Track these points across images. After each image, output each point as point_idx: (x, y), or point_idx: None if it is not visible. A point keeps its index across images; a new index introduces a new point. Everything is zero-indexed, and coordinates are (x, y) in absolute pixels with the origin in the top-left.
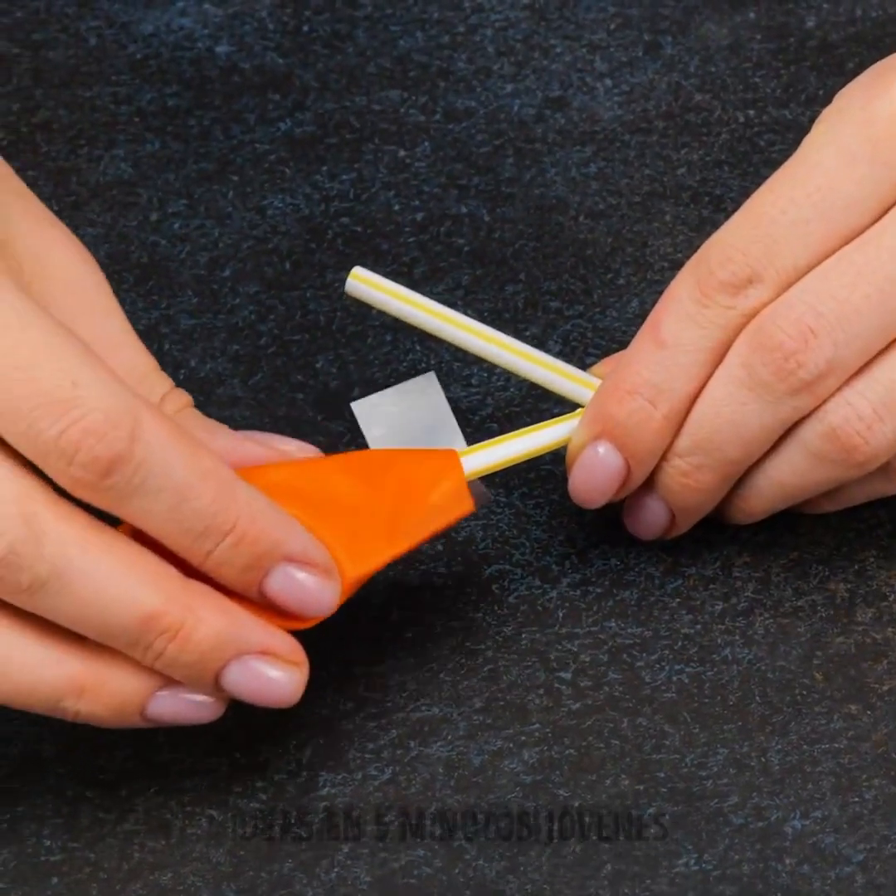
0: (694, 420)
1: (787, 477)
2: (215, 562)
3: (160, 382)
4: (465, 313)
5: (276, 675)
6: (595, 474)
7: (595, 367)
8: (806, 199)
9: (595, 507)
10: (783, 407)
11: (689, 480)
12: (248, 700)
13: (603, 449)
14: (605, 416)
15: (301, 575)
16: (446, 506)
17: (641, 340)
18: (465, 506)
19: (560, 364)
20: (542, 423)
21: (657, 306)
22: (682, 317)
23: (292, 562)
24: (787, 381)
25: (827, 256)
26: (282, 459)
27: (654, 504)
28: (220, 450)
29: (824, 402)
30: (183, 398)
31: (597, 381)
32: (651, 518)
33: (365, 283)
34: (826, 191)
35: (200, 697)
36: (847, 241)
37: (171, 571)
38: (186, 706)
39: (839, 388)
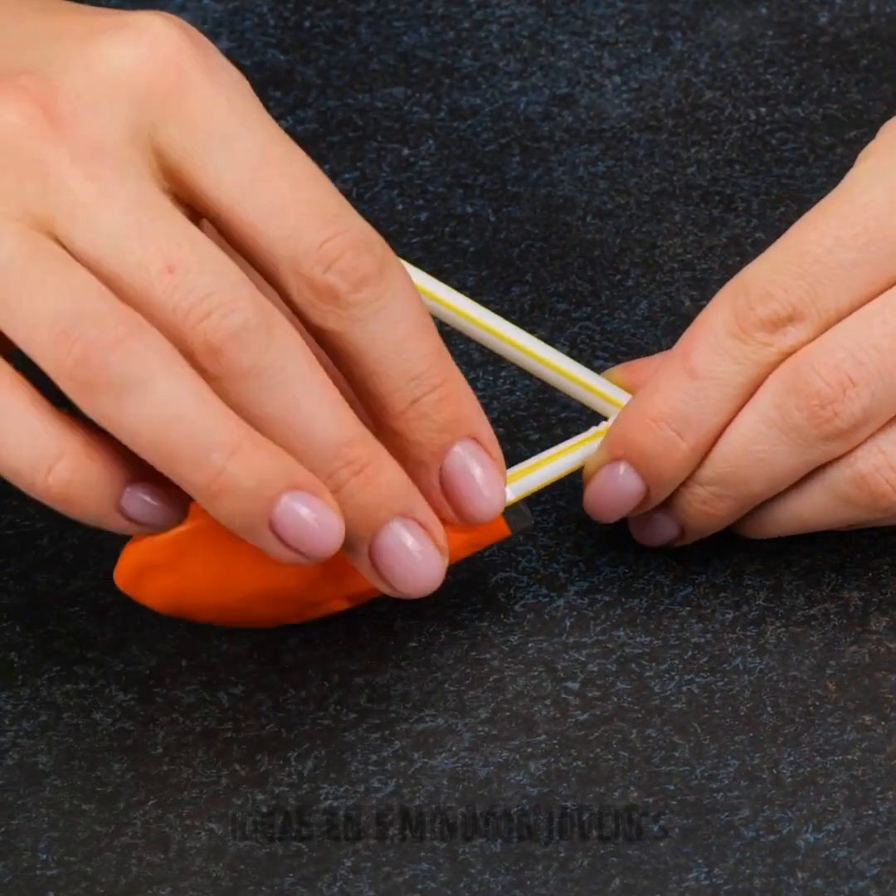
0: (720, 453)
1: (807, 513)
2: (418, 411)
3: None
4: None
5: (426, 551)
6: (612, 494)
7: (609, 372)
8: (853, 241)
9: (608, 523)
10: (814, 451)
11: (708, 508)
12: (389, 569)
13: (623, 470)
14: (629, 443)
15: (484, 456)
16: (479, 539)
17: (671, 368)
18: (499, 533)
19: (568, 365)
20: (568, 444)
21: (689, 334)
22: (716, 349)
23: (476, 441)
24: (821, 428)
25: (870, 298)
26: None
27: (666, 520)
28: None
29: (855, 447)
30: None
31: (607, 387)
32: (660, 532)
33: None
34: (874, 233)
35: (326, 513)
36: (892, 285)
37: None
38: (311, 518)
39: (871, 435)
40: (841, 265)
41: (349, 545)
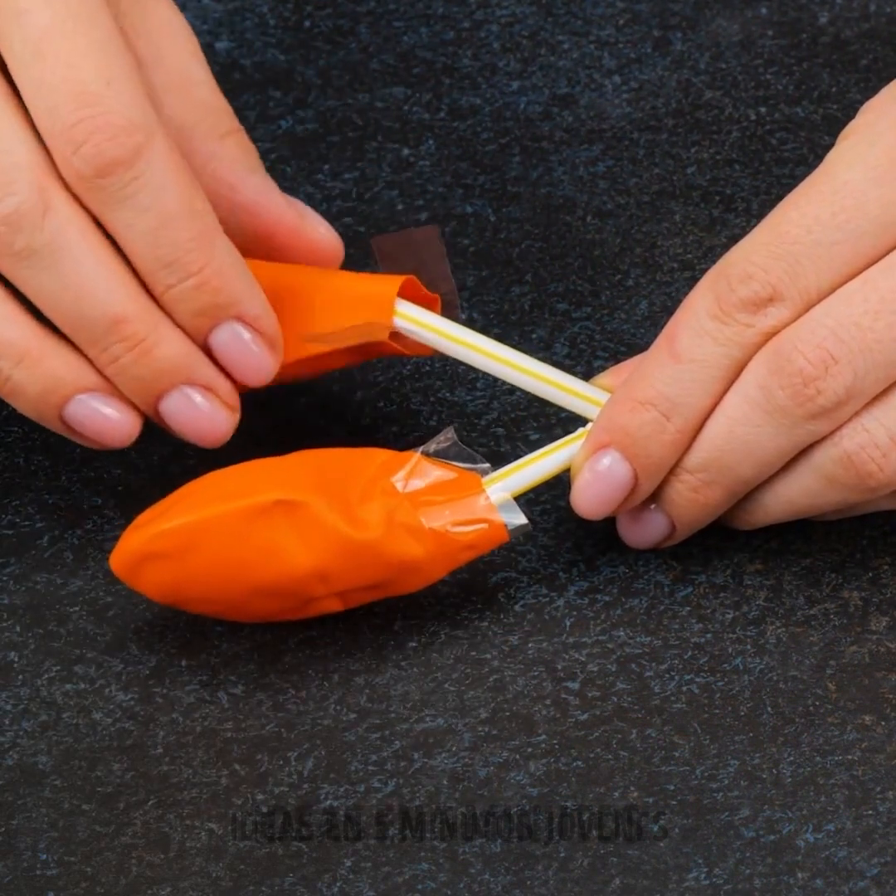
0: (706, 437)
1: (796, 496)
2: (172, 297)
3: (227, 122)
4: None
5: (212, 411)
6: (601, 485)
7: (598, 379)
8: (831, 220)
9: (597, 519)
10: (799, 431)
11: (698, 496)
12: (179, 430)
13: (611, 459)
14: (616, 427)
15: (247, 335)
16: (479, 543)
17: (656, 352)
18: (499, 539)
19: (553, 374)
20: (561, 441)
21: (674, 318)
22: (699, 332)
23: (242, 322)
24: (804, 407)
25: (850, 277)
26: (301, 238)
27: (655, 516)
28: (249, 194)
29: (840, 426)
30: (244, 146)
31: (595, 392)
32: (650, 529)
33: None
34: (852, 212)
35: (114, 413)
36: (872, 263)
37: (144, 292)
38: (100, 418)
39: (856, 414)
40: (820, 245)
41: (149, 413)
